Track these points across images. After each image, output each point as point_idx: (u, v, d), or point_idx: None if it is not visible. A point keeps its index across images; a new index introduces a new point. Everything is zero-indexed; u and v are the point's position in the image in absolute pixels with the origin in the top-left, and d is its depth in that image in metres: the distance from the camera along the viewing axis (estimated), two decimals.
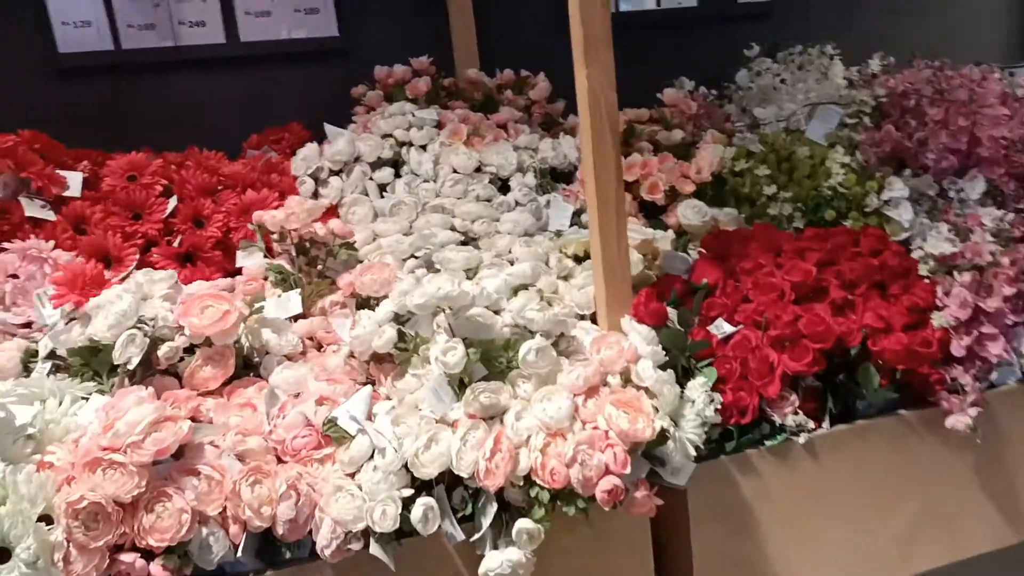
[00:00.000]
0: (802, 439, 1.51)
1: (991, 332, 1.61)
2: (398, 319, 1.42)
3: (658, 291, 1.64)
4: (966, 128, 1.86)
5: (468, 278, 1.66)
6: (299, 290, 1.60)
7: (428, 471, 1.25)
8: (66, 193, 1.84)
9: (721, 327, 1.58)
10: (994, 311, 1.60)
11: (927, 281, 1.67)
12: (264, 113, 2.28)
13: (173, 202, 1.84)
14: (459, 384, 1.33)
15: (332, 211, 1.89)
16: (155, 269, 1.77)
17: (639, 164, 1.93)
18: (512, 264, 1.69)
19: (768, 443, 1.50)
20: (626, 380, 1.40)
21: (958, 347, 1.60)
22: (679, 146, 2.07)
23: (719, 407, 1.44)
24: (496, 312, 1.43)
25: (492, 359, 1.35)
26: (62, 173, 1.85)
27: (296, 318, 1.58)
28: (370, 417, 1.32)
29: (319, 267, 1.71)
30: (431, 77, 2.17)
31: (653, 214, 1.96)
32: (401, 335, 1.39)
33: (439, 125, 2.02)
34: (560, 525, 1.30)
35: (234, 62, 2.29)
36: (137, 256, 1.76)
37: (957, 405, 1.57)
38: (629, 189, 1.95)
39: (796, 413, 1.51)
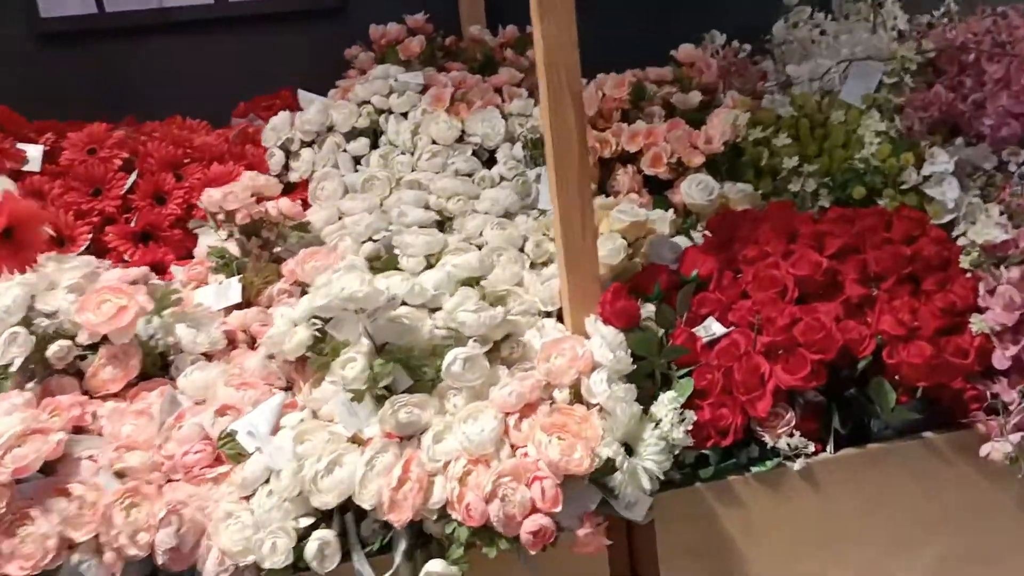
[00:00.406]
0: (798, 465, 1.28)
1: None
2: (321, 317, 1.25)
3: (640, 284, 1.42)
4: None
5: (430, 265, 1.48)
6: (239, 277, 1.46)
7: (326, 499, 1.08)
8: (25, 168, 1.74)
9: (710, 328, 1.35)
10: None
11: (968, 276, 1.40)
12: (258, 79, 2.12)
13: (134, 177, 1.72)
14: (381, 397, 1.16)
15: (304, 187, 1.74)
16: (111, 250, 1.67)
17: (643, 132, 1.69)
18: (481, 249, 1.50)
19: (755, 469, 1.28)
20: (576, 395, 1.20)
21: (1001, 358, 1.33)
22: (698, 110, 1.82)
23: (692, 427, 1.23)
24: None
25: (416, 368, 1.17)
26: (22, 146, 1.75)
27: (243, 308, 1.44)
28: (277, 431, 1.17)
29: (275, 251, 1.56)
30: (427, 36, 1.97)
31: (661, 190, 1.72)
32: (323, 336, 1.23)
33: (428, 90, 1.82)
34: (502, 559, 1.12)
35: (224, 24, 2.14)
36: (90, 235, 1.66)
37: (996, 429, 1.30)
38: (632, 161, 1.72)
39: (792, 434, 1.28)
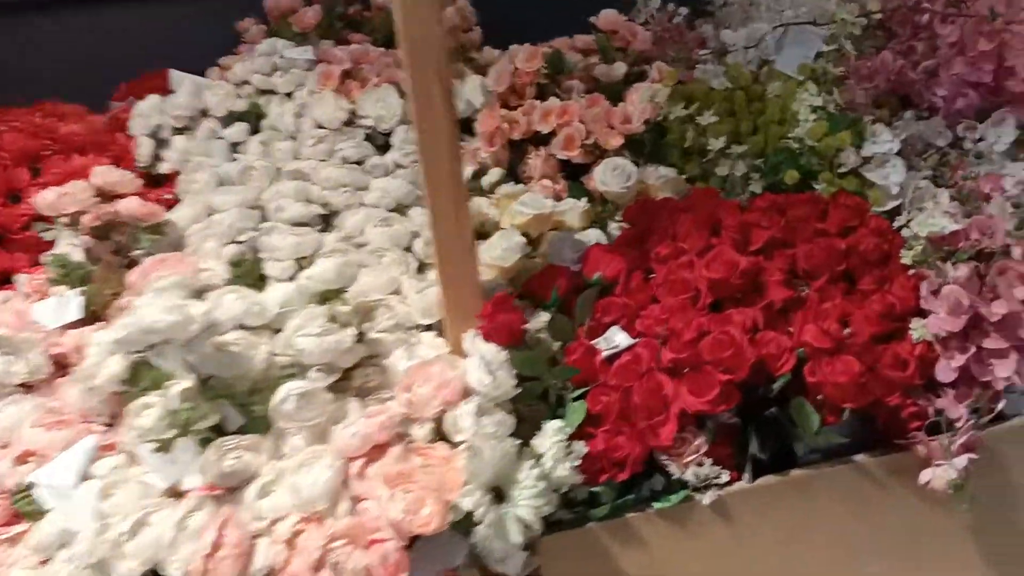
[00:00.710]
0: (708, 498, 1.11)
1: (997, 347, 1.15)
2: None
3: (535, 289, 1.24)
4: (990, 53, 1.35)
5: (301, 268, 1.30)
6: (83, 288, 1.28)
7: (132, 566, 0.91)
8: None
9: (612, 340, 1.17)
10: (1001, 319, 1.14)
11: (912, 273, 1.21)
12: (152, 58, 1.92)
13: None
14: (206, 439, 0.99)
15: (174, 180, 1.55)
16: None
17: (556, 110, 1.50)
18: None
19: (657, 505, 1.11)
20: (438, 432, 1.03)
21: (946, 369, 1.15)
22: (622, 84, 1.63)
23: (582, 460, 1.06)
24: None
25: (246, 406, 0.99)
26: None
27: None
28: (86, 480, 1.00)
29: (134, 254, 1.38)
30: (327, 5, 1.77)
31: (581, 175, 1.53)
32: (144, 366, 1.05)
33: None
34: None
35: None
36: None
37: (939, 451, 1.13)
38: (547, 143, 1.53)
39: (701, 463, 1.11)
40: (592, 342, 1.17)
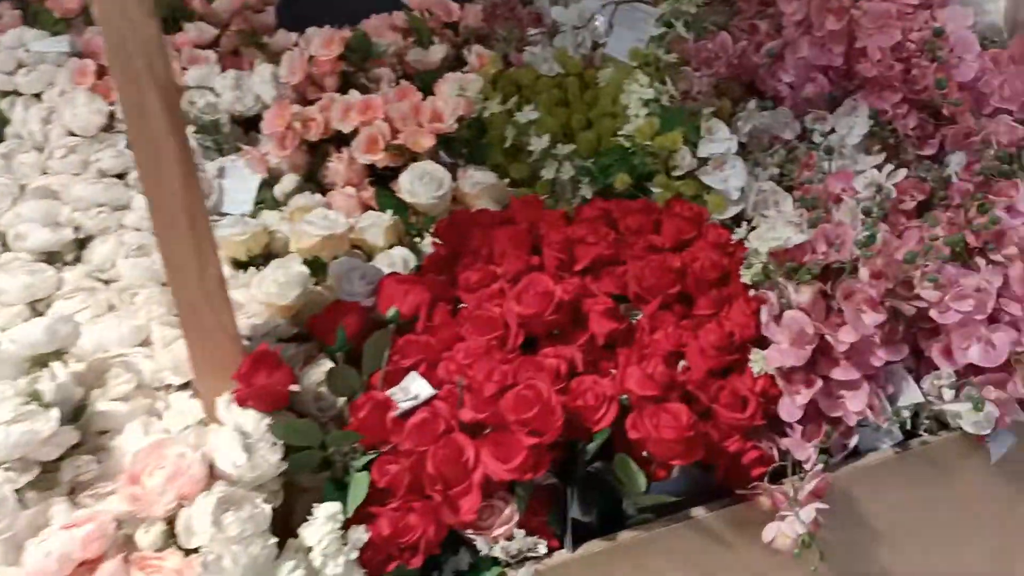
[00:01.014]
0: (524, 574, 0.93)
1: (848, 378, 1.01)
2: None
3: (318, 330, 1.04)
4: (839, 32, 1.20)
5: (39, 314, 1.07)
6: None
7: None
8: None
9: (410, 390, 0.98)
10: (851, 348, 0.99)
11: (754, 294, 1.06)
12: None
13: None
14: None
15: None
16: None
17: (357, 105, 1.28)
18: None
19: None
20: (170, 537, 0.82)
21: (790, 406, 1.01)
22: (443, 70, 1.42)
23: (362, 550, 0.87)
24: None
25: None
26: None
27: None
28: None
29: None
30: None
31: (392, 180, 1.33)
32: None
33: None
34: None
35: None
36: None
37: (784, 500, 0.98)
38: (348, 143, 1.31)
39: (511, 538, 0.93)
40: (387, 393, 0.98)
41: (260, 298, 1.04)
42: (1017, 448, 1.08)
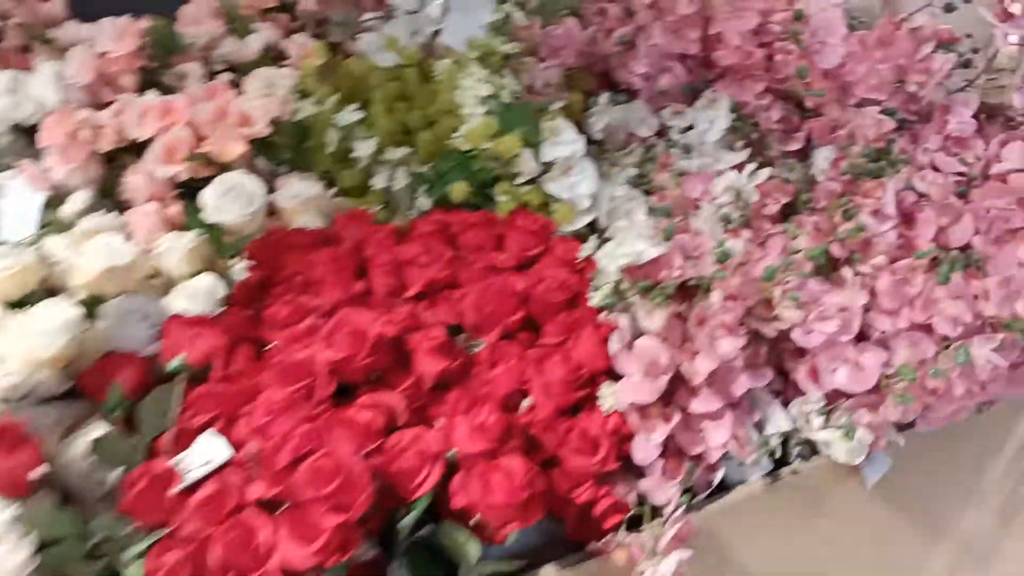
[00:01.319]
0: None
1: (709, 410, 0.90)
2: None
3: (90, 387, 0.87)
4: (693, 17, 1.08)
5: None
6: None
7: None
8: None
9: (202, 455, 0.83)
10: (708, 379, 0.88)
11: (604, 318, 0.94)
12: None
13: None
14: None
15: None
16: None
17: (156, 109, 1.11)
18: None
19: None
20: None
21: (644, 446, 0.89)
22: (264, 64, 1.25)
23: None
24: None
25: None
26: None
27: None
28: None
29: None
30: None
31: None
32: None
33: None
34: None
35: None
36: None
37: (642, 552, 0.87)
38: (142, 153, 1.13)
39: None
40: (172, 461, 0.82)
41: (19, 352, 0.86)
42: (893, 470, 1.00)
